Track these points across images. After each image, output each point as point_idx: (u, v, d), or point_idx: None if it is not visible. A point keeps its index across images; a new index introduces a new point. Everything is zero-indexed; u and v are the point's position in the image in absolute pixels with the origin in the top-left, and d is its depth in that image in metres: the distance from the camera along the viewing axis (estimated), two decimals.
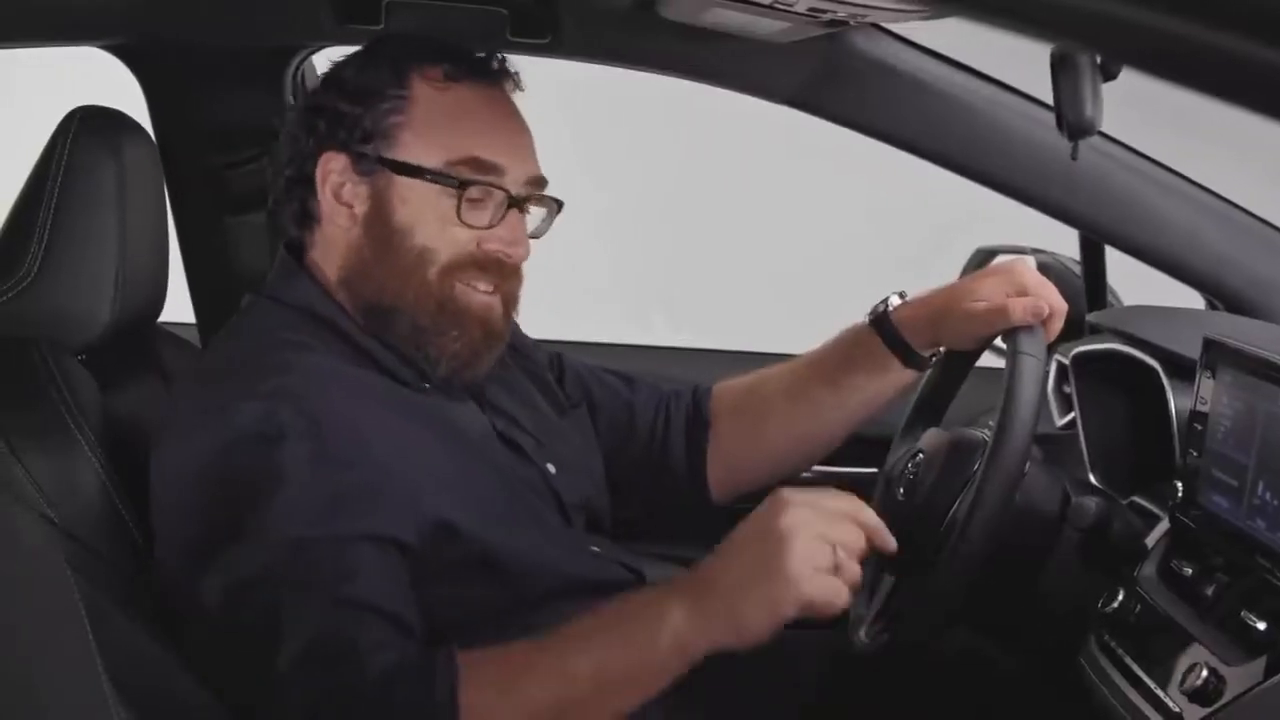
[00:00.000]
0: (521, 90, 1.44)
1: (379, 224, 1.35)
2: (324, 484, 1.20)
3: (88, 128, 1.41)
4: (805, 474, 2.00)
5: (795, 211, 3.70)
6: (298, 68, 1.84)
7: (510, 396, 1.49)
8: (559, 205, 1.44)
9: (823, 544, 1.15)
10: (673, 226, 3.75)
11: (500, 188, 1.35)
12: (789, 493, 1.17)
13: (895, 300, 1.52)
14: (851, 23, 1.36)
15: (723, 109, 1.80)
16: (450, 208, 1.33)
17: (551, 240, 1.45)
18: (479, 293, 1.36)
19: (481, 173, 1.34)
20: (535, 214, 1.42)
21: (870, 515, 1.20)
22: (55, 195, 1.38)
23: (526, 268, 1.41)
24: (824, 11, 1.23)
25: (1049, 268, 1.97)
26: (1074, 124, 1.25)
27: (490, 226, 1.35)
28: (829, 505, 1.18)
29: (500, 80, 1.41)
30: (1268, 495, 1.13)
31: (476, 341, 1.37)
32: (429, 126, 1.35)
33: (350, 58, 1.41)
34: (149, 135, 1.50)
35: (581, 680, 1.16)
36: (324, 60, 1.87)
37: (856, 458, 1.91)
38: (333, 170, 1.36)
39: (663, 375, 1.75)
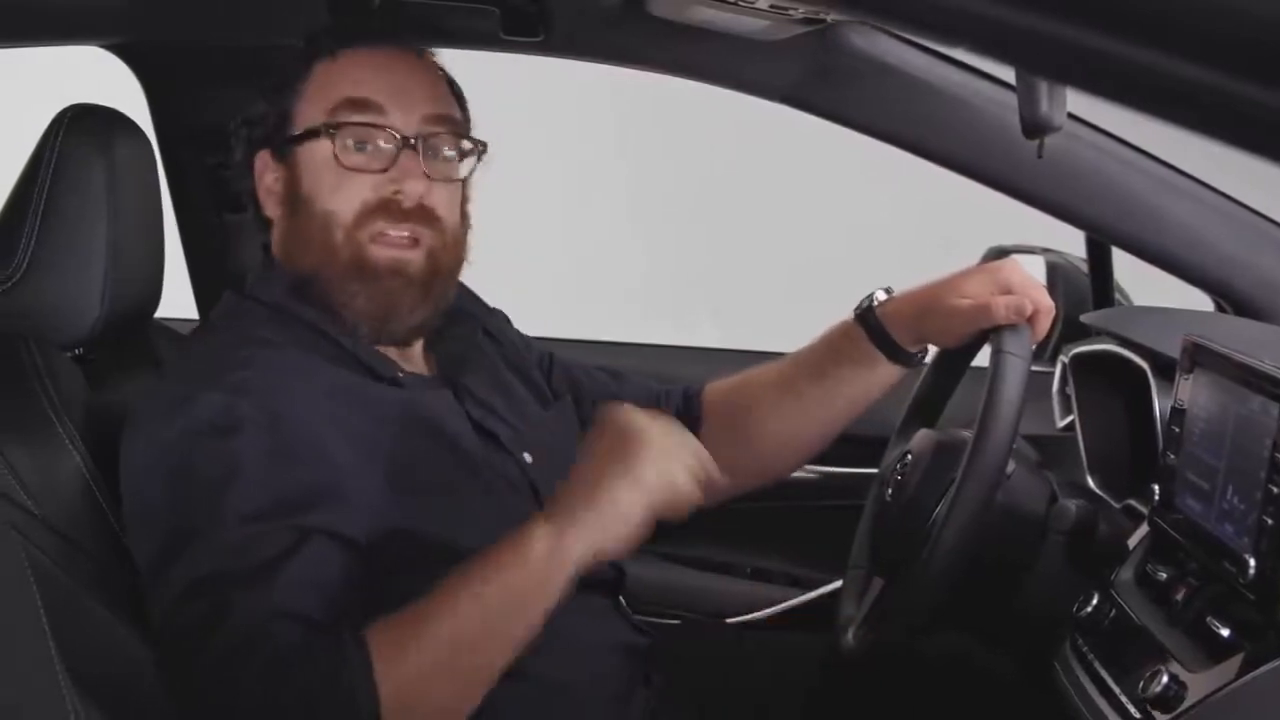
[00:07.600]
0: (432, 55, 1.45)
1: (291, 199, 1.39)
2: (277, 477, 1.20)
3: (78, 126, 1.42)
4: (805, 474, 2.00)
5: (845, 210, 3.66)
6: None
7: (489, 385, 1.48)
8: (483, 146, 1.43)
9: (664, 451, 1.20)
10: (721, 227, 3.71)
11: (381, 126, 1.35)
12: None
13: (881, 295, 1.51)
14: (828, 19, 1.35)
15: (768, 105, 1.77)
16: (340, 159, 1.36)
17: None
18: (390, 245, 1.36)
19: (358, 112, 1.36)
20: (467, 164, 1.42)
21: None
22: (45, 193, 1.40)
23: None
24: (787, 9, 1.22)
25: (1057, 267, 1.95)
26: (1030, 122, 1.23)
27: (384, 170, 1.35)
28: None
29: (402, 46, 1.42)
30: (1235, 499, 1.11)
31: (389, 292, 1.36)
32: (316, 92, 1.39)
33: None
34: (143, 132, 1.51)
35: (470, 615, 1.16)
36: None
37: (857, 459, 1.89)
38: (263, 170, 1.42)
39: (674, 374, 1.73)
